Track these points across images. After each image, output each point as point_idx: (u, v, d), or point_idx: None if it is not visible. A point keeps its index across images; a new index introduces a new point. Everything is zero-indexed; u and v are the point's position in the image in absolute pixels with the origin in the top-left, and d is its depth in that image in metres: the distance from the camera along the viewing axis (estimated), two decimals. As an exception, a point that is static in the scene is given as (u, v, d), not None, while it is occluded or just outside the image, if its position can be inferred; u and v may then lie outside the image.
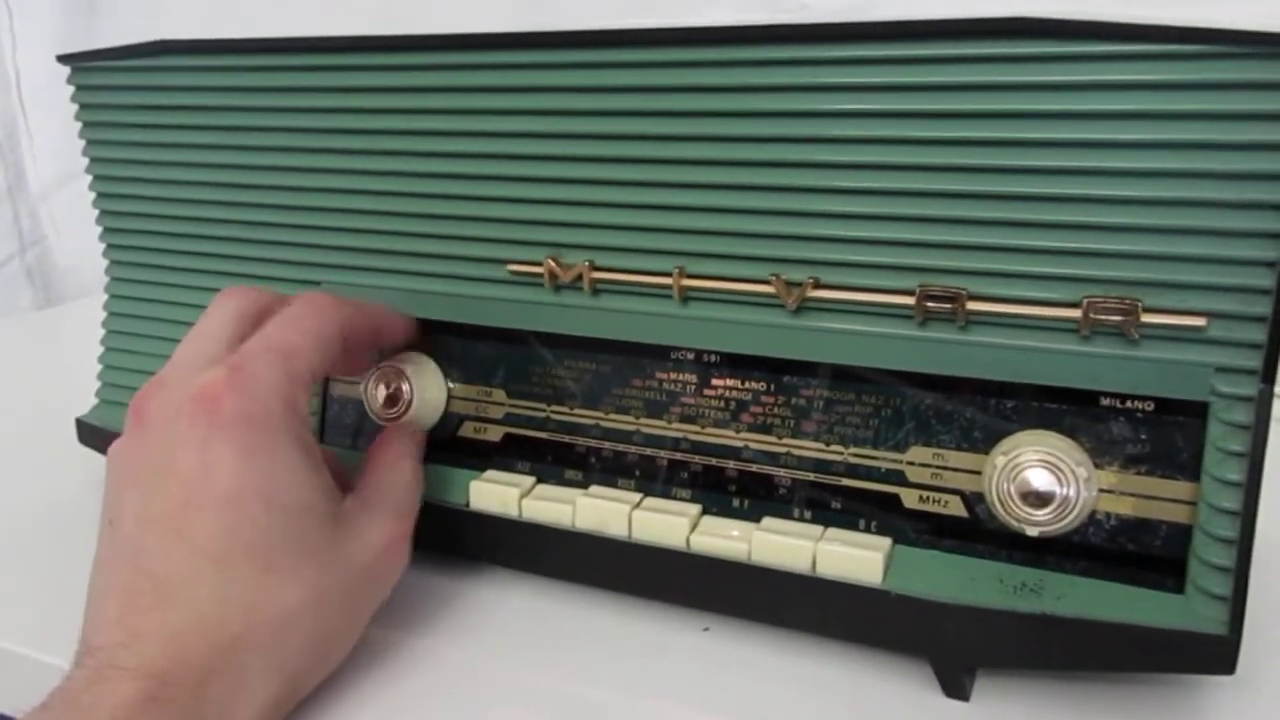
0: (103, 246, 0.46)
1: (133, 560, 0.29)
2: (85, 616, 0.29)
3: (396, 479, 0.35)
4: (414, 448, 0.36)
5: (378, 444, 0.36)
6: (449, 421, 0.39)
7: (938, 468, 0.32)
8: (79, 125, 0.45)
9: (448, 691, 0.33)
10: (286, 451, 0.30)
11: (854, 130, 0.31)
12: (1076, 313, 0.29)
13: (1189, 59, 0.27)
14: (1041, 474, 0.29)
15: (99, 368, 0.47)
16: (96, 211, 0.45)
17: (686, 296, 0.35)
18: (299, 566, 0.30)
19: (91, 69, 0.43)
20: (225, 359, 0.31)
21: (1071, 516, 0.29)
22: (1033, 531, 0.30)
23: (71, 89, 0.44)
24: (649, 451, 0.36)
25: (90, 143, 0.45)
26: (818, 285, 0.32)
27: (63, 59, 0.44)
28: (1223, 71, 0.27)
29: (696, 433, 0.35)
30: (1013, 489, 0.30)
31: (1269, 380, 0.28)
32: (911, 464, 0.32)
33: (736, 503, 0.35)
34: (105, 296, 0.47)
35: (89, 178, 0.45)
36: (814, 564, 0.32)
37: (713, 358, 0.35)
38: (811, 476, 0.34)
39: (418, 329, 0.39)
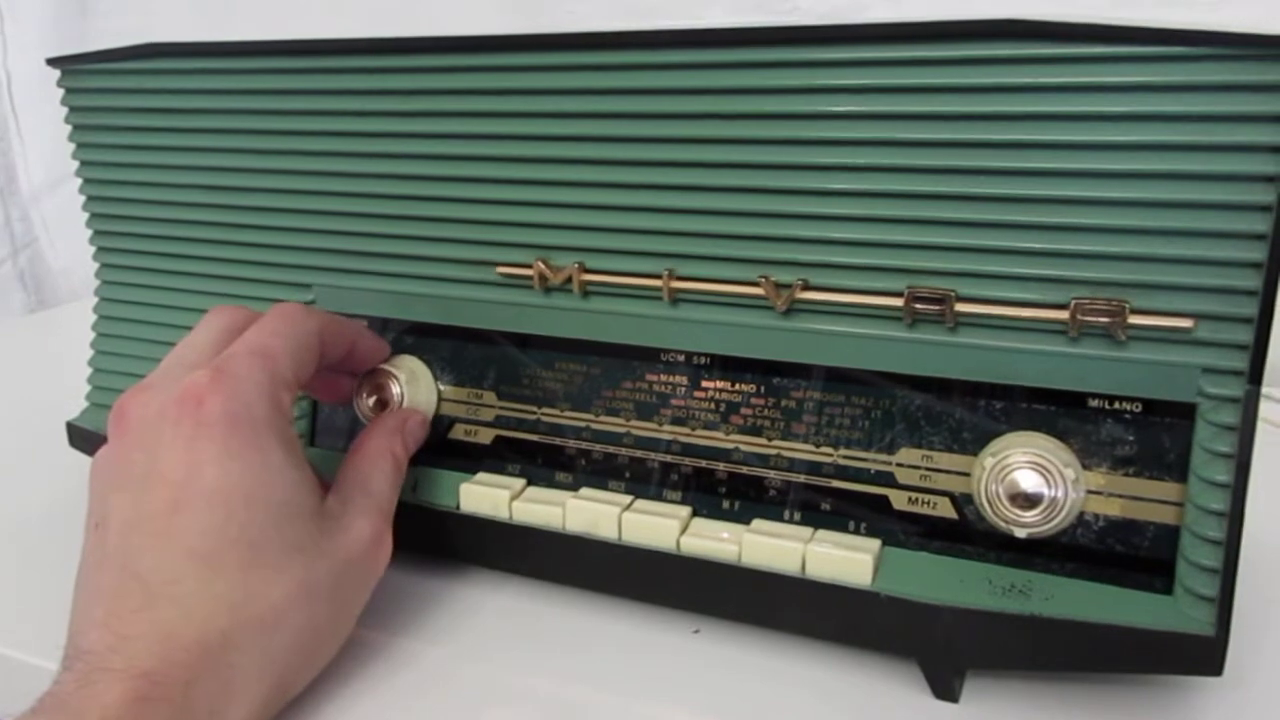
0: (93, 249, 0.46)
1: (120, 562, 0.29)
2: (71, 619, 0.29)
3: (378, 474, 0.35)
4: (397, 442, 0.36)
5: (360, 439, 0.36)
6: (439, 424, 0.39)
7: (927, 469, 0.32)
8: (70, 128, 0.44)
9: (437, 692, 0.33)
10: (271, 449, 0.31)
11: (843, 132, 0.31)
12: (1064, 314, 0.29)
13: (1175, 61, 0.27)
14: (1030, 475, 0.29)
15: (89, 371, 0.47)
16: (87, 214, 0.45)
17: (676, 298, 0.35)
18: (285, 562, 0.30)
19: (82, 72, 0.43)
20: (208, 362, 0.32)
21: (1060, 518, 0.29)
22: (1021, 533, 0.30)
23: (62, 92, 0.44)
24: (639, 454, 0.36)
25: (80, 145, 0.45)
26: (807, 287, 0.32)
27: (52, 62, 0.44)
28: (1209, 73, 0.27)
29: (687, 435, 0.35)
30: (1001, 490, 0.30)
31: (1256, 381, 0.28)
32: (901, 466, 0.32)
33: (726, 505, 0.35)
34: (96, 299, 0.47)
35: (80, 180, 0.45)
36: (804, 566, 0.32)
37: (703, 360, 0.35)
38: (801, 478, 0.34)
39: (390, 352, 0.39)
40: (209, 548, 0.29)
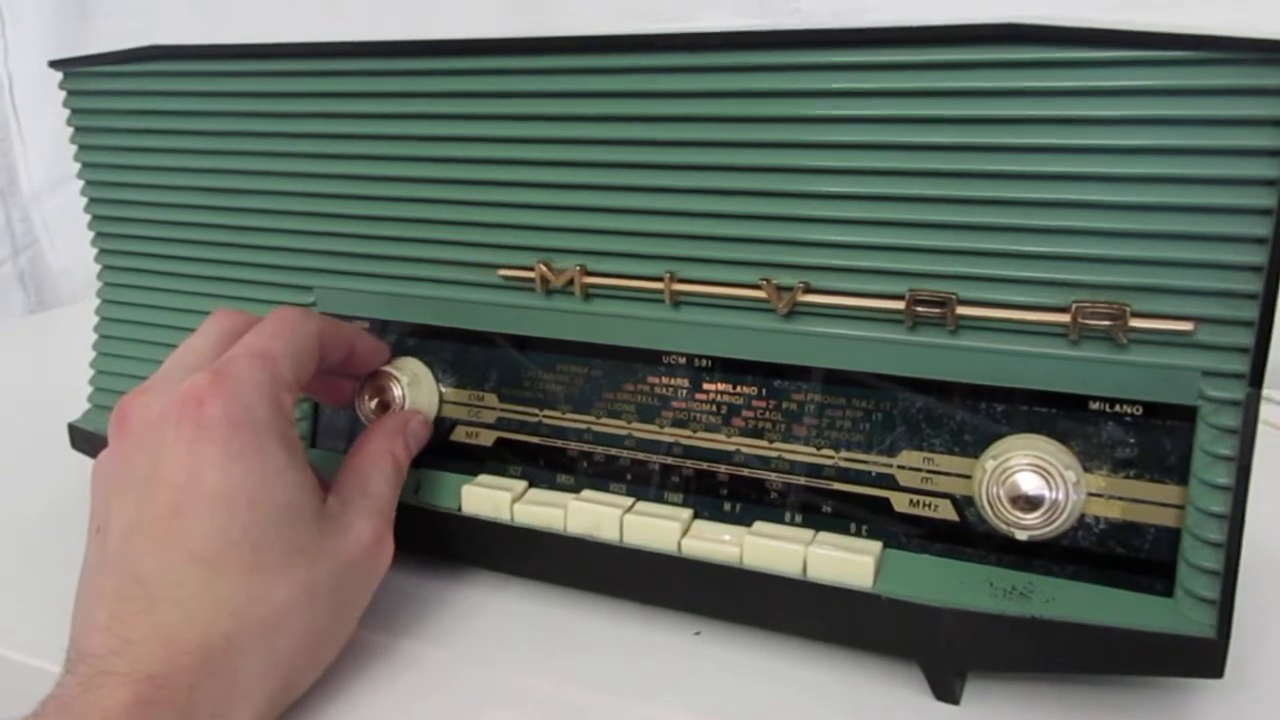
0: (95, 251, 0.46)
1: (121, 565, 0.29)
2: (74, 622, 0.29)
3: (378, 475, 0.35)
4: (398, 443, 0.36)
5: (360, 440, 0.36)
6: (441, 426, 0.39)
7: (928, 472, 0.32)
8: (71, 130, 0.44)
9: (439, 694, 0.33)
10: (272, 451, 0.31)
11: (845, 135, 0.31)
12: (1065, 317, 0.29)
13: (1176, 65, 0.27)
14: (1031, 478, 0.29)
15: (91, 372, 0.47)
16: (88, 216, 0.45)
17: (678, 301, 0.35)
18: (287, 565, 0.30)
19: (83, 74, 0.43)
20: (208, 365, 0.32)
21: (1061, 520, 0.29)
22: (1022, 535, 0.30)
23: (63, 93, 0.44)
24: (641, 456, 0.36)
25: (82, 148, 0.45)
26: (808, 290, 0.32)
27: (55, 64, 0.44)
28: (1210, 77, 0.27)
29: (688, 437, 0.35)
30: (1002, 493, 0.30)
31: (1256, 384, 0.28)
32: (902, 468, 0.32)
33: (728, 507, 0.35)
34: (97, 301, 0.47)
35: (81, 182, 0.45)
36: (805, 568, 0.32)
37: (704, 362, 0.35)
38: (803, 480, 0.34)
39: (391, 354, 0.39)
40: (211, 551, 0.29)
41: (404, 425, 0.37)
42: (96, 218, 0.45)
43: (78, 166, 0.45)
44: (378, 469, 0.35)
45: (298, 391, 0.33)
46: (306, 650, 0.31)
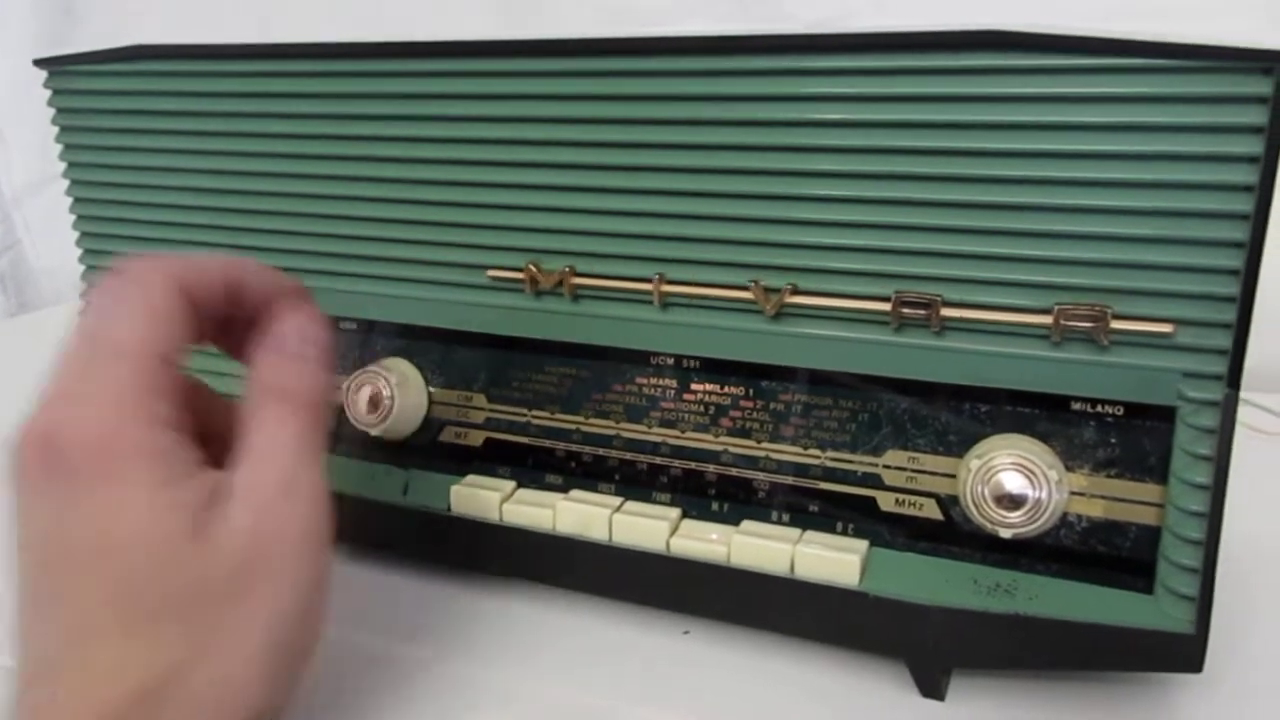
0: (79, 252, 0.46)
1: (20, 638, 0.26)
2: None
3: (259, 429, 0.27)
4: (286, 373, 0.28)
5: (250, 397, 0.28)
6: (430, 426, 0.39)
7: (913, 471, 0.32)
8: (54, 129, 0.44)
9: (430, 697, 0.33)
10: (135, 480, 0.25)
11: (831, 139, 0.31)
12: (1048, 319, 0.30)
13: (1158, 72, 0.28)
14: (1014, 477, 0.30)
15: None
16: (72, 216, 0.45)
17: (666, 302, 0.35)
18: (168, 608, 0.25)
19: (68, 73, 0.43)
20: (50, 387, 0.26)
21: (1044, 519, 0.30)
22: (1006, 533, 0.30)
23: (47, 93, 0.44)
24: (629, 456, 0.36)
25: (67, 147, 0.44)
26: (795, 291, 0.33)
27: (39, 63, 0.43)
28: (1190, 85, 0.28)
29: (676, 437, 0.36)
30: (986, 492, 0.30)
31: (1234, 385, 0.28)
32: (887, 467, 0.33)
33: (716, 506, 0.35)
34: (81, 303, 0.46)
35: (65, 182, 0.45)
36: (792, 566, 0.33)
37: (692, 363, 0.35)
38: (790, 480, 0.34)
39: (301, 290, 0.31)
40: (81, 618, 0.25)
41: (283, 342, 0.29)
42: (81, 218, 0.45)
43: (60, 167, 0.45)
44: (256, 420, 0.27)
45: (170, 371, 0.27)
46: (252, 678, 0.26)
